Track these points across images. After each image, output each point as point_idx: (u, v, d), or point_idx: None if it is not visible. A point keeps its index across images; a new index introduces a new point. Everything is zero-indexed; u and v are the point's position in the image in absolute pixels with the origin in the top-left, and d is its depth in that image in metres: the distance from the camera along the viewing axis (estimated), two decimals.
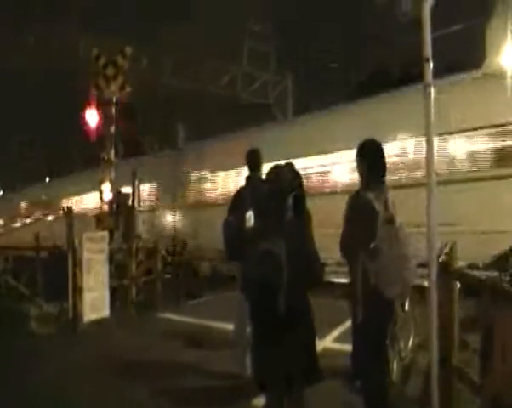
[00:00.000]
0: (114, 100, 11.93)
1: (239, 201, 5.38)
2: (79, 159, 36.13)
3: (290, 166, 3.71)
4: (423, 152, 3.84)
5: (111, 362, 6.26)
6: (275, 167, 3.64)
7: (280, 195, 3.43)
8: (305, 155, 11.81)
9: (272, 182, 3.51)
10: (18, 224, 26.97)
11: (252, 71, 24.33)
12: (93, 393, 5.18)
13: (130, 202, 10.85)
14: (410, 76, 14.16)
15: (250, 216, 4.99)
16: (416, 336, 5.61)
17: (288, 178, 3.56)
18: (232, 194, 5.77)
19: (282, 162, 3.71)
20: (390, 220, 3.78)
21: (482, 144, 9.75)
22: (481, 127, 9.56)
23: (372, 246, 3.67)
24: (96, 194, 12.85)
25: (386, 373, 3.88)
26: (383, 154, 4.06)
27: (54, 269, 9.33)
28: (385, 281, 3.64)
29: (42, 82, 38.43)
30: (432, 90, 3.68)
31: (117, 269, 9.61)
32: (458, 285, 3.86)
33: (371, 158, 4.06)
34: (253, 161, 5.56)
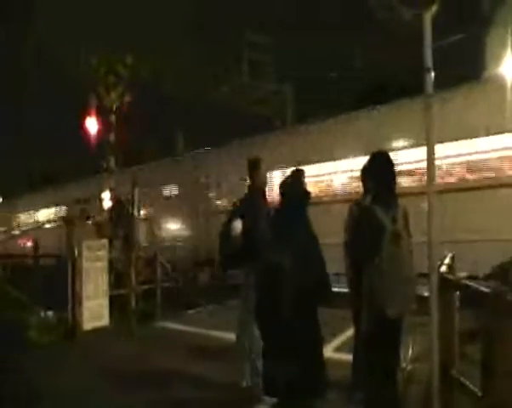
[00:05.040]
0: (114, 108, 11.96)
1: (238, 211, 5.40)
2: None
3: (301, 176, 3.74)
4: None
5: (110, 371, 6.23)
6: (289, 178, 3.64)
7: (294, 206, 3.43)
8: None
9: (286, 193, 3.50)
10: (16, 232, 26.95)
11: (251, 82, 24.39)
12: (90, 403, 5.15)
13: (130, 210, 10.83)
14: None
15: (237, 225, 5.03)
16: (415, 346, 5.61)
17: (303, 190, 3.57)
18: None
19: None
20: (397, 236, 3.74)
21: None
22: None
23: (376, 262, 3.64)
24: None
25: (393, 386, 3.86)
26: (392, 166, 4.02)
27: (53, 277, 9.32)
28: (386, 300, 3.63)
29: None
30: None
31: (117, 278, 9.59)
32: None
33: (380, 170, 4.03)
34: (252, 171, 5.55)
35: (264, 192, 5.44)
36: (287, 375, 3.14)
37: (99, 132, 12.15)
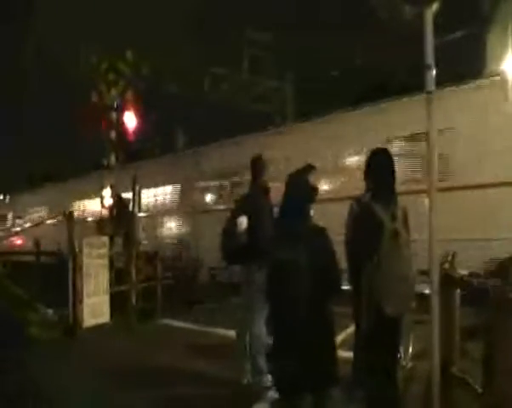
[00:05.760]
0: (115, 105, 11.95)
1: (236, 207, 5.44)
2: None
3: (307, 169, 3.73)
4: None
5: (110, 368, 6.23)
6: (295, 175, 3.64)
7: (300, 203, 3.42)
8: None
9: (292, 190, 3.50)
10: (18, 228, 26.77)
11: (251, 79, 24.33)
12: (90, 401, 5.14)
13: (130, 208, 10.85)
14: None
15: (243, 221, 5.05)
16: (416, 344, 5.61)
17: (309, 186, 3.57)
18: None
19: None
20: (396, 234, 3.73)
21: None
22: None
23: (374, 260, 3.64)
24: None
25: (394, 384, 3.87)
26: (392, 163, 4.01)
27: (54, 274, 9.33)
28: (384, 297, 3.63)
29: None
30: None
31: (117, 275, 9.60)
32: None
33: (379, 167, 4.03)
34: (256, 168, 5.58)
35: (267, 189, 5.47)
36: (300, 372, 3.13)
37: (99, 129, 12.16)
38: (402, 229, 3.80)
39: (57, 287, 8.67)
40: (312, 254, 3.09)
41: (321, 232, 3.35)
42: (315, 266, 3.07)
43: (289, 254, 3.14)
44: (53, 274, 9.66)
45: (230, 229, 5.22)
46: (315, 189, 3.71)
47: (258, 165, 5.57)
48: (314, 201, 3.57)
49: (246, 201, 5.49)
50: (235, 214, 5.29)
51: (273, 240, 3.45)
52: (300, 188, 3.51)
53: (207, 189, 15.05)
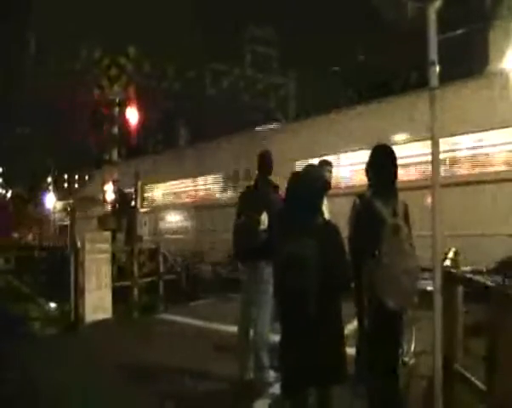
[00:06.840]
0: (117, 101, 11.94)
1: (247, 203, 5.39)
2: None
3: (322, 165, 3.74)
4: None
5: (113, 363, 6.24)
6: (309, 167, 3.63)
7: (313, 195, 3.42)
8: None
9: (306, 183, 3.49)
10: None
11: (254, 75, 24.36)
12: (92, 396, 5.12)
13: (133, 203, 10.86)
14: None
15: (265, 218, 4.99)
16: (418, 340, 5.61)
17: (323, 181, 3.57)
18: None
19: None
20: (396, 229, 3.73)
21: None
22: None
23: (375, 255, 3.64)
24: None
25: (395, 380, 3.87)
26: (394, 160, 4.02)
27: (56, 270, 9.34)
28: (386, 292, 3.63)
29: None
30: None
31: (120, 270, 9.60)
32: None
33: (380, 163, 4.03)
34: (265, 164, 5.52)
35: (276, 185, 5.40)
36: (309, 367, 3.13)
37: (104, 124, 12.15)
38: (403, 224, 3.80)
39: (60, 282, 8.68)
40: (322, 249, 3.09)
41: (332, 227, 3.35)
42: (325, 261, 3.06)
43: (299, 249, 3.13)
44: (57, 268, 9.67)
45: (245, 225, 5.14)
46: (327, 184, 3.72)
47: (265, 160, 5.52)
48: (325, 196, 3.57)
49: (260, 197, 5.36)
50: (246, 211, 5.22)
51: (285, 234, 3.43)
52: (314, 182, 3.51)
53: None
